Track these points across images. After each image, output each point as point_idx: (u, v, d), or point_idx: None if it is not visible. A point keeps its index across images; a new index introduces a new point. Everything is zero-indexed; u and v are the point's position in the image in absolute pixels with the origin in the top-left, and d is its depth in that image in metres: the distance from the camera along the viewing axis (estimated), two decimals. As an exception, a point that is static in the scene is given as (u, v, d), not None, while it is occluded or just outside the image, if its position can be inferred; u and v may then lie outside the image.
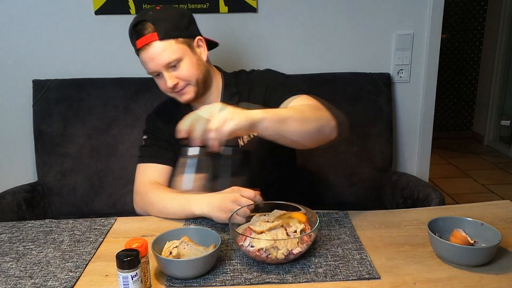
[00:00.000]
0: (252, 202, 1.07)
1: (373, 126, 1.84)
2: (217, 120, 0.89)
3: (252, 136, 1.28)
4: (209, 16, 1.82)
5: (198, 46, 1.25)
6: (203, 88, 1.25)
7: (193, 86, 1.23)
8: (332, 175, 1.82)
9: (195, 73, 1.22)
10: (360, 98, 1.83)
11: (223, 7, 1.82)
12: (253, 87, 1.30)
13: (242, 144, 1.29)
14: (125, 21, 1.81)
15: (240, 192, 1.09)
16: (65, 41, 1.84)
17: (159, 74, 1.21)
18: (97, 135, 1.77)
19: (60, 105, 1.77)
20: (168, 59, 1.17)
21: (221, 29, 1.84)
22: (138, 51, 1.19)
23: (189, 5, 1.79)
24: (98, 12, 1.81)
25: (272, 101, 1.22)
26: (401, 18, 1.90)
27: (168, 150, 1.31)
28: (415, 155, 2.06)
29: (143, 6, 1.79)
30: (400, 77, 1.96)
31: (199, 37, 1.25)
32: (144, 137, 1.36)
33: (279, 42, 1.89)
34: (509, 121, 4.11)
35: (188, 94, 1.23)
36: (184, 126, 0.92)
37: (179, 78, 1.20)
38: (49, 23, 1.82)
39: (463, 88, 4.60)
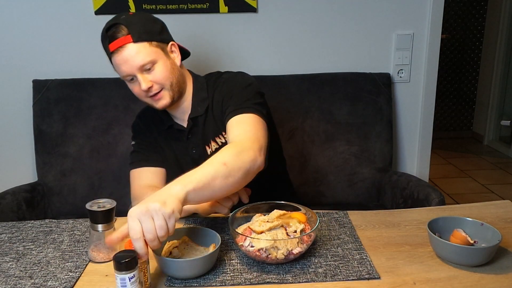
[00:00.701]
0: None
1: (373, 126, 1.84)
2: (154, 225, 0.81)
3: (220, 144, 1.25)
4: (209, 16, 1.82)
5: (172, 51, 1.23)
6: (178, 92, 1.23)
7: (168, 90, 1.20)
8: (332, 175, 1.82)
9: (169, 77, 1.20)
10: (360, 98, 1.83)
11: (223, 7, 1.82)
12: (216, 92, 1.27)
13: (211, 151, 1.27)
14: (125, 21, 1.83)
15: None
16: (65, 41, 1.84)
17: (132, 79, 1.18)
18: (97, 135, 1.77)
19: (60, 105, 1.77)
20: (142, 61, 1.15)
21: (221, 29, 1.84)
22: (111, 54, 1.16)
23: (189, 5, 1.79)
24: (98, 12, 1.81)
25: (224, 113, 1.20)
26: (401, 18, 1.90)
27: (157, 153, 1.32)
28: (415, 155, 2.06)
29: (143, 6, 1.79)
30: (400, 77, 1.96)
31: (172, 42, 1.24)
32: (132, 143, 1.35)
33: (279, 42, 1.89)
34: (509, 121, 4.11)
35: (163, 100, 1.21)
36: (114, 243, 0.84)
37: (153, 81, 1.17)
38: (49, 23, 1.82)
39: (463, 88, 4.60)
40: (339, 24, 1.89)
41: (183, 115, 1.29)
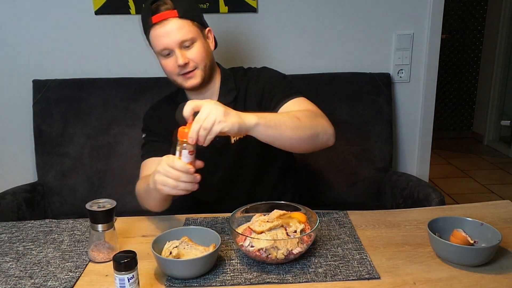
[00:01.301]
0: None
1: (373, 126, 1.83)
2: (209, 119, 0.91)
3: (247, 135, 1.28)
4: (209, 16, 1.80)
5: (208, 37, 1.28)
6: (208, 76, 1.26)
7: (201, 70, 1.23)
8: (332, 175, 1.82)
9: (205, 58, 1.23)
10: (360, 98, 1.83)
11: (223, 7, 1.82)
12: (250, 85, 1.31)
13: (235, 140, 1.29)
14: (125, 21, 1.83)
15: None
16: (65, 41, 1.84)
17: (169, 54, 1.21)
18: (97, 135, 1.77)
19: (60, 105, 1.77)
20: (184, 37, 1.18)
21: (221, 29, 1.83)
22: (152, 26, 1.19)
23: (189, 5, 1.79)
24: (98, 12, 1.81)
25: (270, 102, 1.23)
26: (401, 18, 1.90)
27: (166, 144, 1.30)
28: (415, 155, 2.06)
29: (143, 6, 1.79)
30: (400, 77, 1.96)
31: (209, 28, 1.29)
32: (143, 135, 1.36)
33: (279, 42, 1.89)
34: (509, 121, 4.11)
35: (195, 79, 1.23)
36: (185, 113, 0.94)
37: (190, 59, 1.21)
38: (49, 23, 1.82)
39: (463, 88, 4.60)
40: (339, 24, 1.89)
41: None
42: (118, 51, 1.86)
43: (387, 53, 1.94)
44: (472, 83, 4.58)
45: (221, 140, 1.29)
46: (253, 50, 1.89)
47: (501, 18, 4.07)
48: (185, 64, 1.20)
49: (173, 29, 1.17)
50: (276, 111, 1.20)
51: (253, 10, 1.84)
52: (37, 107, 1.78)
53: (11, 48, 1.84)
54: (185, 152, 0.94)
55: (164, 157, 0.97)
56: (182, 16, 1.18)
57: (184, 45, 1.19)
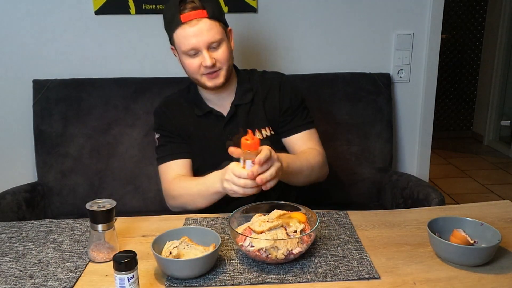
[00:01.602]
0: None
1: (373, 126, 1.83)
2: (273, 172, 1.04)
3: (265, 136, 1.32)
4: (209, 16, 1.82)
5: (229, 37, 1.29)
6: (229, 76, 1.28)
7: (225, 71, 1.25)
8: (332, 175, 1.81)
9: (229, 59, 1.25)
10: (360, 98, 1.83)
11: (223, 7, 1.82)
12: (273, 89, 1.35)
13: None
14: (125, 21, 1.83)
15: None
16: (65, 41, 1.84)
17: (196, 53, 1.21)
18: (97, 135, 1.77)
19: (60, 105, 1.77)
20: (213, 38, 1.18)
21: (221, 29, 1.84)
22: (179, 25, 1.18)
23: (189, 5, 1.79)
24: (98, 12, 1.81)
25: (289, 123, 1.34)
26: (401, 18, 1.90)
27: (182, 143, 1.33)
28: (415, 155, 2.06)
29: (143, 6, 1.79)
30: (400, 77, 1.96)
31: (230, 28, 1.29)
32: (157, 136, 1.35)
33: (279, 42, 1.89)
34: (509, 121, 4.11)
35: (218, 79, 1.25)
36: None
37: (216, 60, 1.21)
38: (49, 23, 1.82)
39: (463, 88, 4.60)
40: (339, 24, 1.89)
41: (223, 102, 1.33)
42: (118, 51, 1.86)
43: (387, 53, 1.94)
44: (472, 83, 4.58)
45: (239, 139, 1.30)
46: (253, 50, 1.89)
47: (501, 18, 4.07)
48: (212, 65, 1.21)
49: (203, 30, 1.17)
50: (291, 135, 1.34)
51: (253, 10, 1.84)
52: (37, 107, 1.78)
53: (11, 48, 1.84)
54: (248, 162, 1.02)
55: (230, 166, 1.06)
56: (211, 16, 1.18)
57: (212, 46, 1.20)
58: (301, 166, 1.21)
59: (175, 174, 1.29)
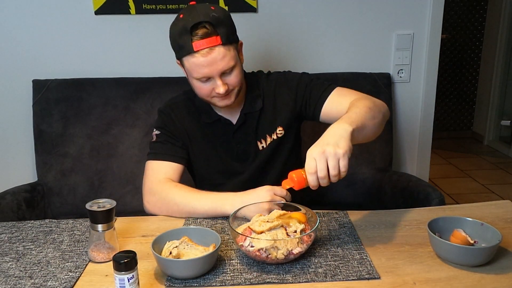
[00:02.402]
0: (284, 200, 1.09)
1: (373, 126, 1.83)
2: (332, 164, 0.92)
3: (274, 138, 1.30)
4: (209, 16, 1.82)
5: (240, 51, 1.23)
6: (240, 93, 1.24)
7: (236, 91, 1.20)
8: (332, 175, 1.81)
9: (242, 81, 1.20)
10: (360, 98, 1.83)
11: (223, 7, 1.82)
12: (279, 87, 1.30)
13: (264, 146, 1.30)
14: (125, 21, 1.83)
15: (273, 191, 1.10)
16: (65, 41, 1.84)
17: (207, 80, 1.15)
18: (97, 135, 1.77)
19: (60, 105, 1.77)
20: (227, 66, 1.12)
21: (221, 29, 1.84)
22: (190, 53, 1.10)
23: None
24: (98, 12, 1.81)
25: (309, 101, 1.26)
26: (401, 18, 1.90)
27: (181, 148, 1.29)
28: (415, 155, 2.06)
29: (143, 6, 1.79)
30: (400, 77, 1.96)
31: (240, 41, 1.23)
32: (156, 132, 1.30)
33: (279, 42, 1.89)
34: (509, 121, 4.11)
35: (228, 100, 1.20)
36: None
37: (228, 85, 1.16)
38: (49, 23, 1.82)
39: (463, 88, 4.60)
40: (339, 24, 1.89)
41: (232, 110, 1.28)
42: (118, 51, 1.86)
43: (387, 53, 1.94)
44: (472, 83, 4.58)
45: (243, 146, 1.30)
46: (253, 50, 1.89)
47: (501, 18, 4.07)
48: (225, 91, 1.16)
49: (216, 59, 1.10)
50: (321, 107, 1.23)
51: (253, 10, 1.84)
52: (37, 107, 1.78)
53: (11, 48, 1.84)
54: None
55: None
56: (225, 42, 1.10)
57: (225, 72, 1.14)
58: (359, 113, 1.05)
59: (166, 176, 1.23)
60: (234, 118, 1.29)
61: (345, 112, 1.10)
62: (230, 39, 1.13)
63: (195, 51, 1.09)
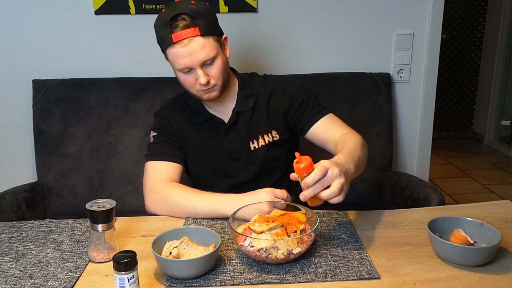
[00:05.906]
0: (284, 202, 1.09)
1: (373, 126, 1.83)
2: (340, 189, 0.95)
3: (267, 142, 1.31)
4: (209, 16, 1.82)
5: (223, 44, 1.25)
6: (226, 86, 1.26)
7: (220, 86, 1.22)
8: (332, 175, 1.81)
9: (224, 72, 1.22)
10: (360, 98, 1.83)
11: (223, 7, 1.82)
12: (274, 93, 1.32)
13: (255, 147, 1.31)
14: (125, 21, 1.83)
15: (274, 193, 1.10)
16: (65, 41, 1.84)
17: (190, 70, 1.18)
18: (97, 135, 1.77)
19: (60, 105, 1.77)
20: (207, 56, 1.15)
21: (221, 29, 1.84)
22: (171, 44, 1.14)
23: (189, 5, 1.79)
24: (98, 12, 1.81)
25: (302, 116, 1.29)
26: (401, 18, 1.90)
27: (178, 148, 1.31)
28: (415, 155, 2.06)
29: (143, 6, 1.79)
30: (400, 77, 1.96)
31: (225, 35, 1.25)
32: (153, 134, 1.32)
33: (279, 42, 1.89)
34: (509, 121, 4.11)
35: (213, 93, 1.23)
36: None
37: (210, 76, 1.19)
38: (49, 23, 1.82)
39: (463, 88, 4.60)
40: (339, 24, 1.89)
41: (224, 108, 1.31)
42: (118, 51, 1.86)
43: (387, 53, 1.94)
44: (472, 83, 4.58)
45: (235, 145, 1.31)
46: (253, 50, 1.89)
47: (501, 18, 4.07)
48: (207, 83, 1.18)
49: (195, 50, 1.13)
50: (310, 126, 1.28)
51: (253, 10, 1.84)
52: (37, 107, 1.78)
53: (11, 48, 1.84)
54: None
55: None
56: (204, 33, 1.14)
57: (206, 63, 1.17)
58: (355, 150, 1.12)
59: (167, 176, 1.25)
60: (226, 117, 1.31)
61: (333, 141, 1.22)
62: (210, 31, 1.16)
63: (174, 42, 1.13)
